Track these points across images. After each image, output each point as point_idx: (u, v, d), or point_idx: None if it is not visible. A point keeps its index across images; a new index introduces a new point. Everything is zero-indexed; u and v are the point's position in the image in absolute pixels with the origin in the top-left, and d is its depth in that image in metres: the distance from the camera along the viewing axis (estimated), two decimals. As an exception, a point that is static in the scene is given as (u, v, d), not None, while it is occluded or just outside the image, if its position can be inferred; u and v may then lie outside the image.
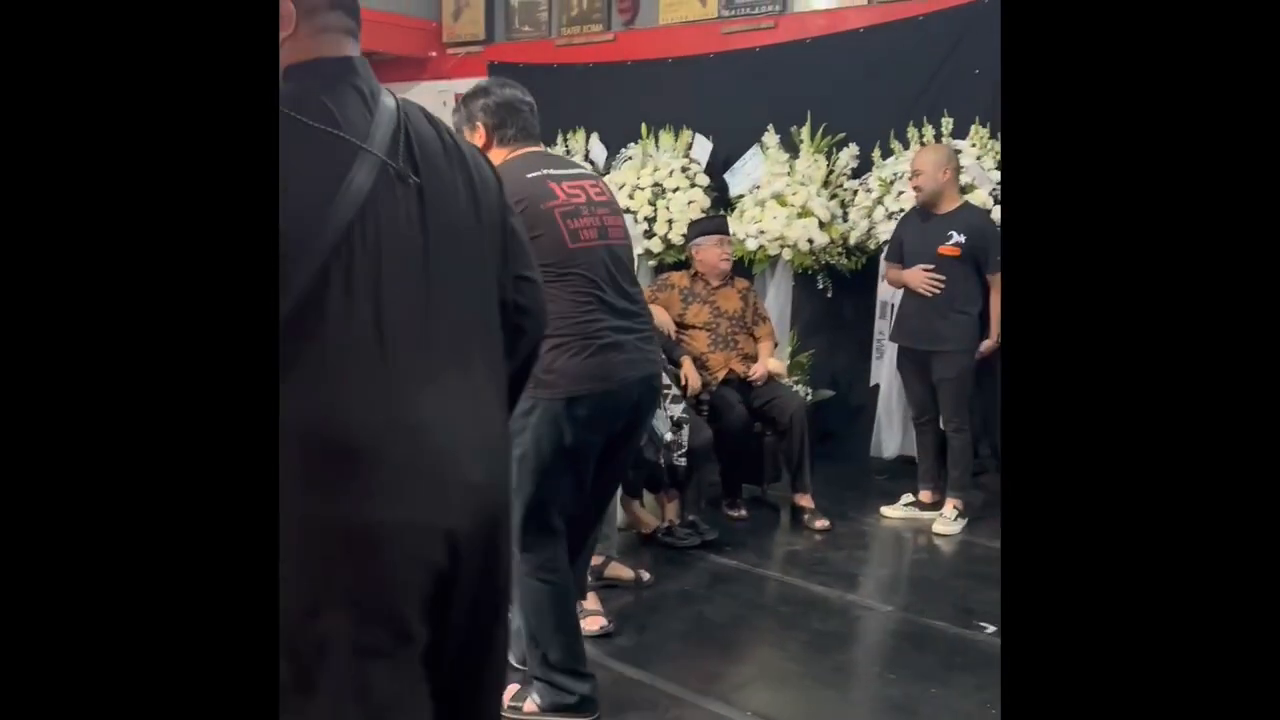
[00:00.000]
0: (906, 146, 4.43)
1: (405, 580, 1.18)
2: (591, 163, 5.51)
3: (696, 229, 4.18)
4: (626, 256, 2.35)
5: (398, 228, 1.21)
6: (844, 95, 4.77)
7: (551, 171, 2.27)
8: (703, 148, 5.12)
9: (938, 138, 4.33)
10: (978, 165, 4.13)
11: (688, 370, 3.83)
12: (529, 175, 2.20)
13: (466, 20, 6.62)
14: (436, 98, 6.70)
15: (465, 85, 6.61)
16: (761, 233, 4.61)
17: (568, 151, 5.60)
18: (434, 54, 6.73)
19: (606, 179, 5.28)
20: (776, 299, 4.80)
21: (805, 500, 3.95)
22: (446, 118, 6.33)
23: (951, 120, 4.32)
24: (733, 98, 5.15)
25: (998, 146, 4.18)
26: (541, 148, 2.37)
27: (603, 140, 5.57)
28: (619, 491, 3.19)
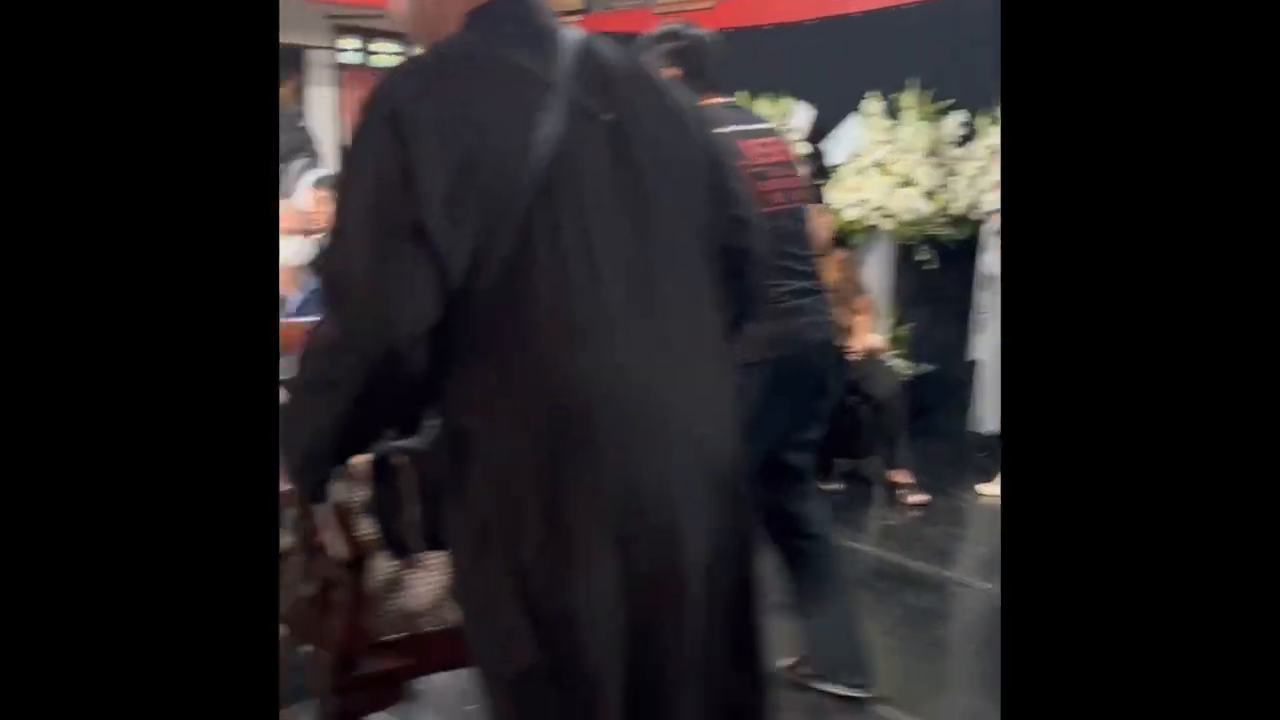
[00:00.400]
0: (1016, 113, 4.28)
1: (650, 541, 1.11)
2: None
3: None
4: (806, 218, 2.26)
5: (598, 168, 1.13)
6: (950, 61, 4.61)
7: (741, 127, 2.14)
8: (804, 115, 5.04)
9: (1049, 104, 4.18)
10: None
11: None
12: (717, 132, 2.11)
13: (566, -11, 6.64)
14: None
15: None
16: (863, 201, 4.53)
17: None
18: (533, 23, 6.78)
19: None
20: (877, 271, 4.71)
21: (901, 476, 3.90)
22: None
23: (1065, 85, 4.15)
24: (834, 64, 5.05)
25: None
26: (730, 98, 2.22)
27: (701, 108, 5.54)
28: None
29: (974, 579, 3.19)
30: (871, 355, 4.00)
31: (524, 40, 1.15)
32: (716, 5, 5.84)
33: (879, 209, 4.51)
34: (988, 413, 4.51)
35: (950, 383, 4.75)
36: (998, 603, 3.01)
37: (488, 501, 1.10)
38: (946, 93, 4.63)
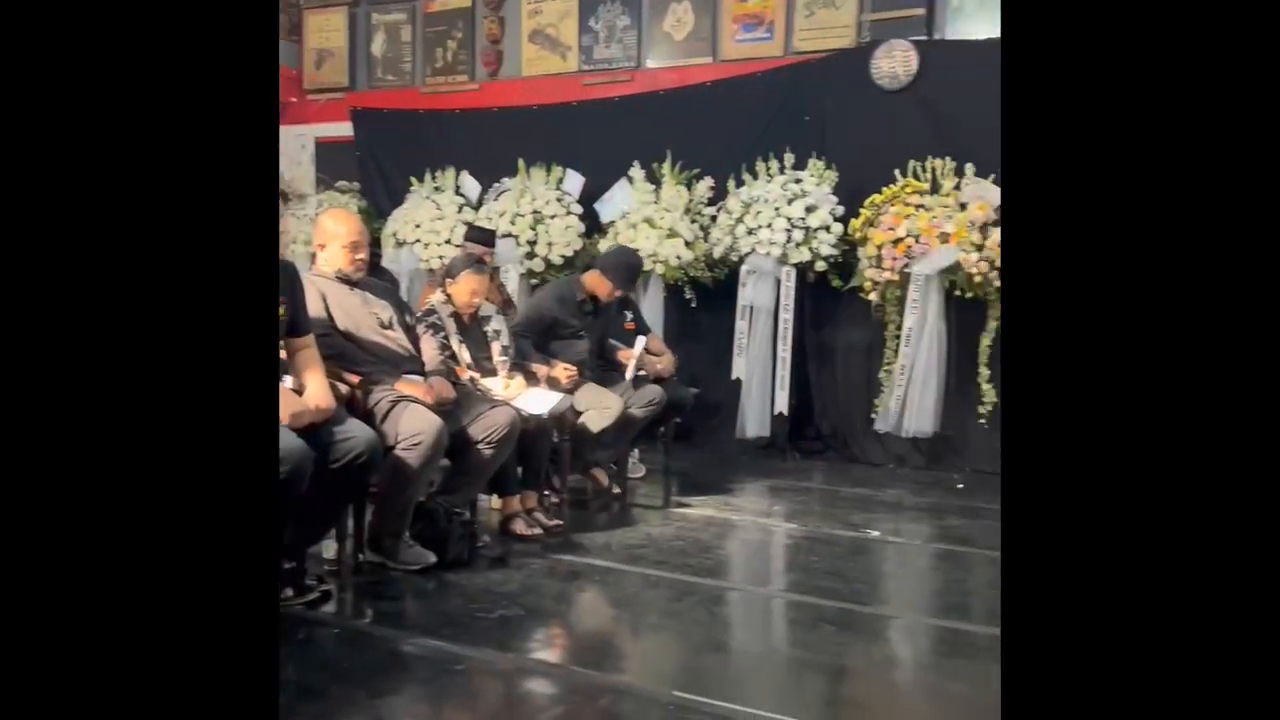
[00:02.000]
0: (756, 177, 5.32)
1: None
2: (463, 196, 6.07)
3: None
4: None
5: None
6: (697, 136, 5.62)
7: None
8: (574, 181, 5.81)
9: (782, 169, 5.26)
10: (818, 190, 5.09)
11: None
12: None
13: (329, 69, 7.01)
14: (295, 141, 7.03)
15: (326, 130, 7.00)
16: (637, 250, 5.33)
17: (437, 188, 6.12)
18: (294, 100, 7.05)
19: (485, 209, 5.86)
20: (650, 309, 5.50)
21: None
22: (306, 162, 6.98)
23: (793, 155, 5.26)
24: (597, 139, 5.90)
25: (833, 176, 5.16)
26: None
27: (474, 177, 6.12)
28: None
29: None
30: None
31: None
32: (483, 88, 6.52)
33: (651, 256, 5.33)
34: (750, 423, 5.41)
35: (712, 404, 5.61)
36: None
37: None
38: (696, 163, 5.60)
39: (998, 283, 4.71)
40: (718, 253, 5.35)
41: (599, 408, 4.02)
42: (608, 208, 5.71)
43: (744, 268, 5.26)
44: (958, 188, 4.88)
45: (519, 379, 3.68)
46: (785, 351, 5.32)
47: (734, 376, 5.42)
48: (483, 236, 5.00)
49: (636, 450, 4.78)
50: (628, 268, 4.35)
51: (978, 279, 4.70)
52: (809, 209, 5.05)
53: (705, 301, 5.58)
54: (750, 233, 5.16)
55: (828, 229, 5.07)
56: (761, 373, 5.37)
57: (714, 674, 2.47)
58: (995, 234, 4.67)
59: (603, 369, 4.31)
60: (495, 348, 3.73)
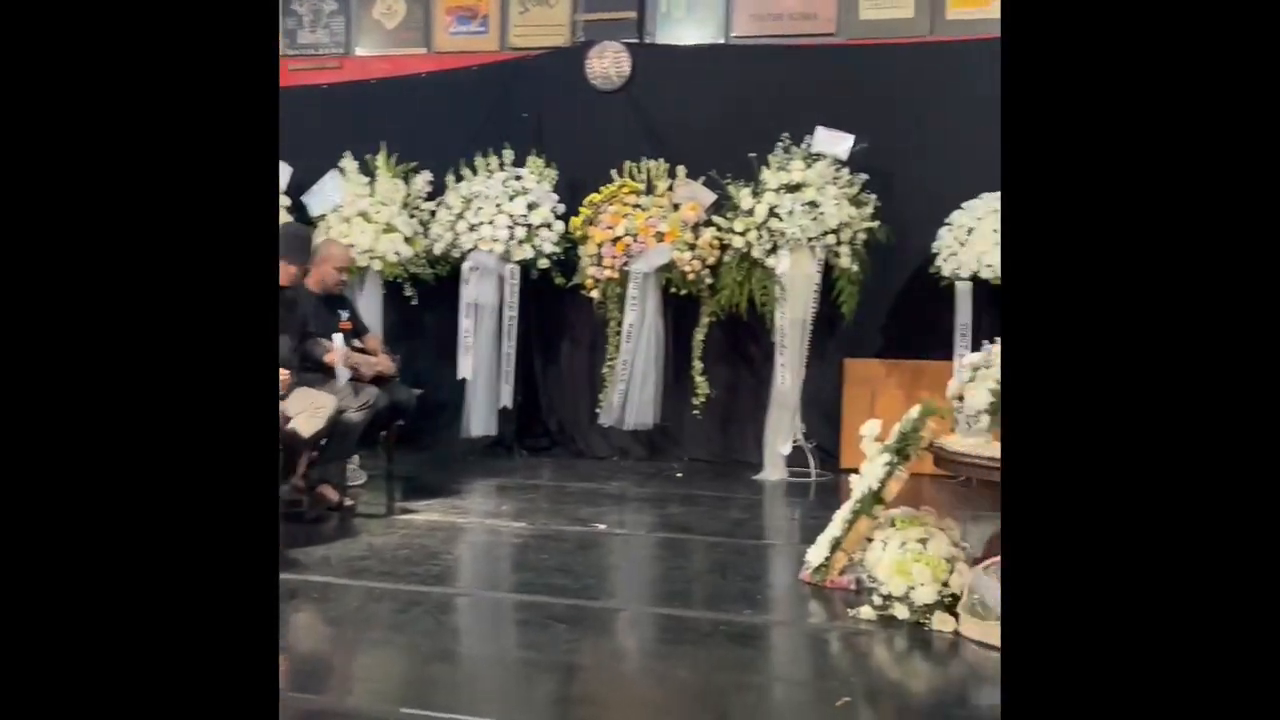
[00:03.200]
0: (475, 173, 5.24)
1: None
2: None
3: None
4: None
5: None
6: (412, 129, 5.44)
7: None
8: (280, 171, 5.43)
9: (501, 165, 5.21)
10: (539, 188, 5.10)
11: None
12: None
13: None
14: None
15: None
16: (351, 246, 5.08)
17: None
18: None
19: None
20: (368, 308, 5.26)
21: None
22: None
23: (513, 152, 5.23)
24: (304, 128, 5.54)
25: (552, 173, 5.19)
26: None
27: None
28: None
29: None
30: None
31: None
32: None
33: (368, 252, 5.10)
34: (476, 422, 5.32)
35: (435, 403, 5.46)
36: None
37: None
38: (412, 156, 5.41)
39: (709, 280, 4.95)
40: (439, 249, 5.22)
41: (310, 410, 3.78)
42: (317, 200, 5.38)
43: (466, 264, 5.16)
44: (671, 188, 5.06)
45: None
46: (510, 349, 5.28)
47: (459, 376, 5.31)
48: (175, 230, 4.55)
49: (357, 456, 4.57)
50: (295, 239, 4.19)
51: (691, 276, 4.91)
52: (531, 206, 5.04)
53: (427, 299, 5.42)
54: (472, 229, 5.07)
55: (549, 226, 5.09)
56: (487, 371, 5.30)
57: (441, 685, 2.39)
58: (706, 233, 4.90)
59: (307, 370, 4.04)
60: (191, 353, 3.39)
